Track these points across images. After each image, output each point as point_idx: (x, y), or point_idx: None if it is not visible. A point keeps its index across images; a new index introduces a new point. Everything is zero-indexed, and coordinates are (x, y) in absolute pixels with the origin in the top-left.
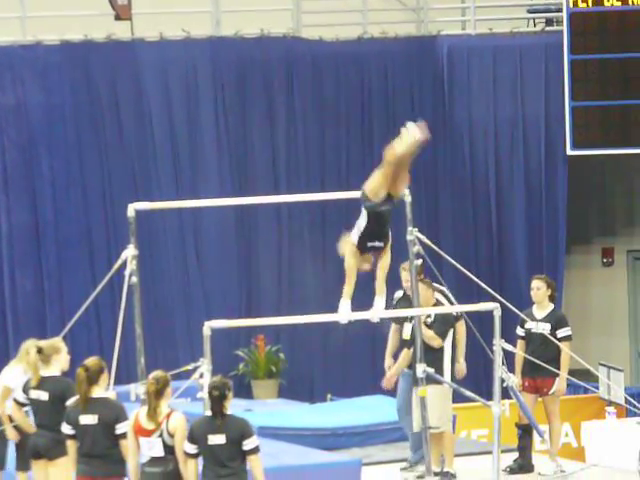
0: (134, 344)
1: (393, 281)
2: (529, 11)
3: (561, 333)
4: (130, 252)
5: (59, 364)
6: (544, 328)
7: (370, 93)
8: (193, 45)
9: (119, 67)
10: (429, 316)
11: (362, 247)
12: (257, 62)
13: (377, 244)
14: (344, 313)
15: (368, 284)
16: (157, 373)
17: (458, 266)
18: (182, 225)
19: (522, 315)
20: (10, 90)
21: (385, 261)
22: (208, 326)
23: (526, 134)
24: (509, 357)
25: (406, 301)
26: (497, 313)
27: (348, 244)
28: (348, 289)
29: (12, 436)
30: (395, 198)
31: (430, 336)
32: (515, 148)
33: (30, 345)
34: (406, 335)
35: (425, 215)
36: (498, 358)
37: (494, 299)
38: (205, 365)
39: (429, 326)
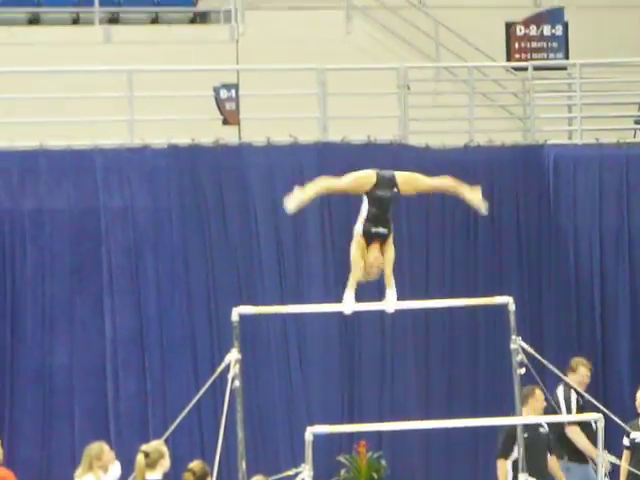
0: (235, 448)
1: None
2: (636, 122)
3: None
4: (233, 356)
5: (162, 468)
6: None
7: None
8: (300, 150)
9: (226, 171)
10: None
11: (367, 234)
12: (363, 168)
13: (381, 230)
14: (348, 304)
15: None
16: (258, 477)
17: (562, 376)
18: (285, 329)
19: (626, 427)
20: (117, 193)
21: (389, 254)
22: (310, 432)
23: (632, 245)
24: (615, 468)
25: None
26: (600, 424)
27: (355, 235)
28: (353, 280)
29: None
30: (396, 187)
31: None
32: (621, 259)
33: (101, 448)
34: None
35: (529, 324)
36: (601, 469)
37: (597, 409)
38: (307, 471)
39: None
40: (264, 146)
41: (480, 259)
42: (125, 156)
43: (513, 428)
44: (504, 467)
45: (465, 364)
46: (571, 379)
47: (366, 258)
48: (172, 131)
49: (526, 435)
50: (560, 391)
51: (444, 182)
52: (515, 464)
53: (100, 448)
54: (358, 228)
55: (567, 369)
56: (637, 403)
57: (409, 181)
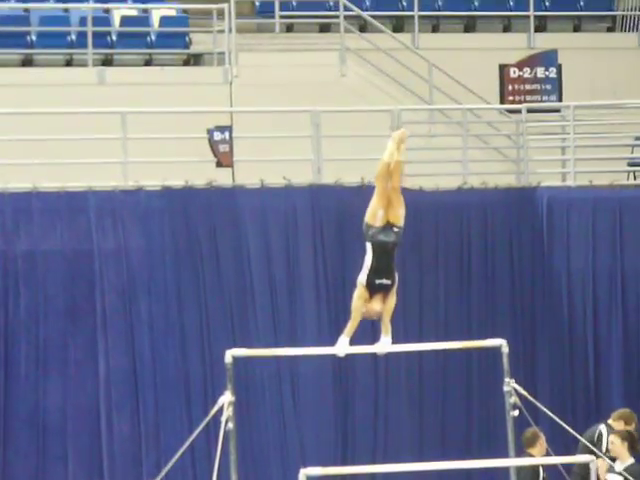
0: None
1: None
2: (629, 164)
3: None
4: (227, 398)
5: None
6: None
7: (469, 243)
8: (293, 193)
9: (219, 213)
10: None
11: (370, 286)
12: (357, 210)
13: (385, 281)
14: (342, 348)
15: None
16: None
17: (555, 418)
18: (279, 371)
19: (624, 474)
20: (110, 234)
21: (390, 303)
22: (304, 473)
23: (625, 287)
24: None
25: None
26: (593, 466)
27: (358, 285)
28: (350, 328)
29: None
30: (396, 227)
31: None
32: (614, 301)
33: None
34: None
35: (522, 365)
36: None
37: (591, 452)
38: None
39: None
40: (258, 188)
41: (473, 301)
42: (119, 198)
43: (536, 469)
44: None
45: (458, 406)
46: (617, 427)
47: (368, 307)
48: (166, 173)
49: (545, 475)
50: (604, 429)
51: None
52: None
53: None
54: (362, 279)
55: (616, 416)
56: (609, 447)
57: (396, 208)
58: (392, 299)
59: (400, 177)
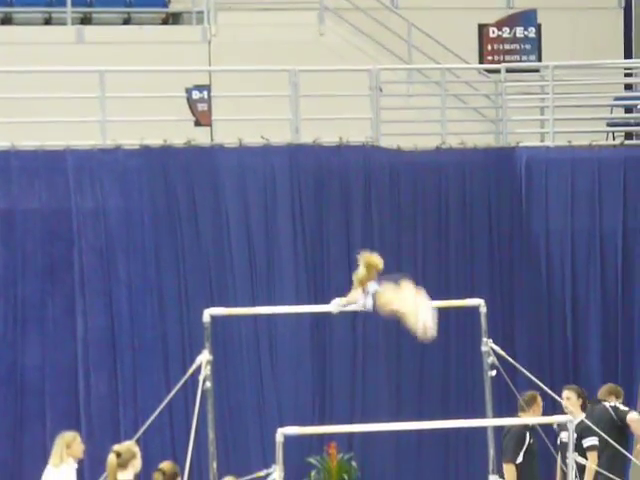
0: (207, 449)
1: None
2: (608, 124)
3: (586, 442)
4: (205, 357)
5: (134, 468)
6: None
7: (448, 203)
8: (272, 152)
9: (198, 172)
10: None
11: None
12: (335, 170)
13: None
14: (335, 304)
15: None
16: (229, 478)
17: (533, 378)
18: (257, 331)
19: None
20: (89, 193)
21: None
22: (281, 433)
23: (603, 247)
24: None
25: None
26: (571, 426)
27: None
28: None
29: None
30: None
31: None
32: (592, 261)
33: (74, 437)
34: None
35: (500, 326)
36: (571, 472)
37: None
38: (277, 472)
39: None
40: (236, 147)
41: (452, 262)
42: (97, 157)
43: (522, 434)
44: (513, 470)
45: (436, 366)
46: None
47: None
48: (144, 132)
49: (531, 441)
50: (609, 404)
51: None
52: (518, 468)
53: (73, 436)
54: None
55: (605, 393)
56: (565, 403)
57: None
58: None
59: None
